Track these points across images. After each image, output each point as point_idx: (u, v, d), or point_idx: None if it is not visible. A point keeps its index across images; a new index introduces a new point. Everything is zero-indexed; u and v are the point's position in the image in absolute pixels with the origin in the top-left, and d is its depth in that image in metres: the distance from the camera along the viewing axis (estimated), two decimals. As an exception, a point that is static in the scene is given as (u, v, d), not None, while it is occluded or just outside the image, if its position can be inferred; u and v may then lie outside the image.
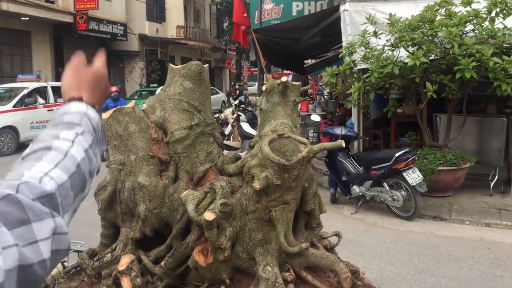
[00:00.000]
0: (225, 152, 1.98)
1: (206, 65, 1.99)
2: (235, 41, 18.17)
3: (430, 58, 7.29)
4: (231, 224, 1.68)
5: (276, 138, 1.62)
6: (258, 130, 1.83)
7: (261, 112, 1.83)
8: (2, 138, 12.88)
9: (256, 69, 19.67)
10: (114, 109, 1.82)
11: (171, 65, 2.03)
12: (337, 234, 1.85)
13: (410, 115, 9.60)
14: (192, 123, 1.90)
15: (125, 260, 1.75)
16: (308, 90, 21.67)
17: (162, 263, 1.78)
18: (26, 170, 0.86)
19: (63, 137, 0.95)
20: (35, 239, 0.75)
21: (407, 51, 7.32)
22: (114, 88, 12.96)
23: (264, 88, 1.84)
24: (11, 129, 13.14)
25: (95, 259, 1.88)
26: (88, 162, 0.97)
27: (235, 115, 10.22)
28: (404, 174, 7.02)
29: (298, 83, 1.81)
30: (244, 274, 1.73)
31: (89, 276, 1.90)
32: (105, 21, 24.06)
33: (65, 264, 2.12)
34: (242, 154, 1.90)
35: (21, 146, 13.70)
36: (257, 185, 1.56)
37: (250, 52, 14.53)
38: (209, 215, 1.58)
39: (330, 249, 1.80)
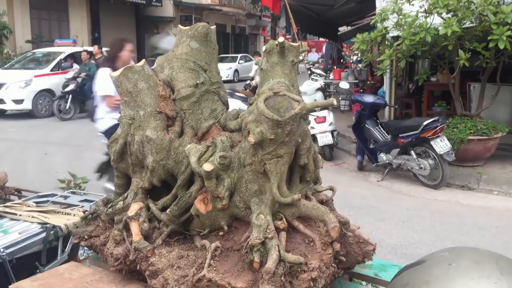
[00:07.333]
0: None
1: (213, 27, 2.09)
2: (266, 6, 17.90)
3: (465, 25, 7.09)
4: (229, 175, 1.80)
5: (271, 96, 1.71)
6: (258, 89, 1.93)
7: (262, 72, 1.93)
8: (40, 101, 13.34)
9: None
10: (124, 67, 1.96)
11: (180, 26, 2.14)
12: (331, 188, 1.94)
13: (444, 84, 9.42)
14: (198, 82, 2.01)
15: (135, 207, 1.91)
16: (344, 57, 21.36)
17: (168, 210, 1.93)
18: None
19: None
20: None
21: (441, 17, 7.13)
22: None
23: (264, 48, 1.94)
24: (49, 92, 13.58)
25: (109, 206, 2.05)
26: None
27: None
28: (432, 142, 6.96)
29: (296, 44, 1.90)
30: (241, 222, 1.86)
31: (103, 222, 2.09)
32: (140, -13, 24.21)
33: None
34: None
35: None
36: (251, 139, 1.68)
37: (281, 18, 14.39)
38: (208, 166, 1.71)
39: (325, 202, 1.91)
